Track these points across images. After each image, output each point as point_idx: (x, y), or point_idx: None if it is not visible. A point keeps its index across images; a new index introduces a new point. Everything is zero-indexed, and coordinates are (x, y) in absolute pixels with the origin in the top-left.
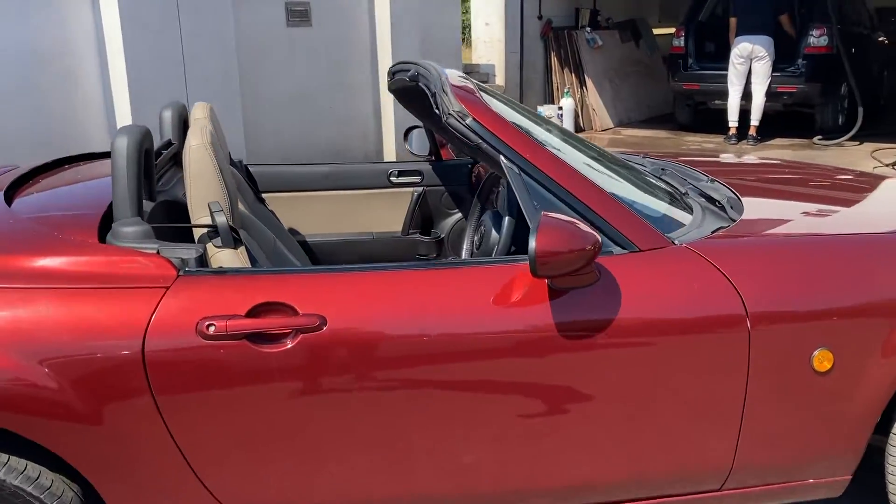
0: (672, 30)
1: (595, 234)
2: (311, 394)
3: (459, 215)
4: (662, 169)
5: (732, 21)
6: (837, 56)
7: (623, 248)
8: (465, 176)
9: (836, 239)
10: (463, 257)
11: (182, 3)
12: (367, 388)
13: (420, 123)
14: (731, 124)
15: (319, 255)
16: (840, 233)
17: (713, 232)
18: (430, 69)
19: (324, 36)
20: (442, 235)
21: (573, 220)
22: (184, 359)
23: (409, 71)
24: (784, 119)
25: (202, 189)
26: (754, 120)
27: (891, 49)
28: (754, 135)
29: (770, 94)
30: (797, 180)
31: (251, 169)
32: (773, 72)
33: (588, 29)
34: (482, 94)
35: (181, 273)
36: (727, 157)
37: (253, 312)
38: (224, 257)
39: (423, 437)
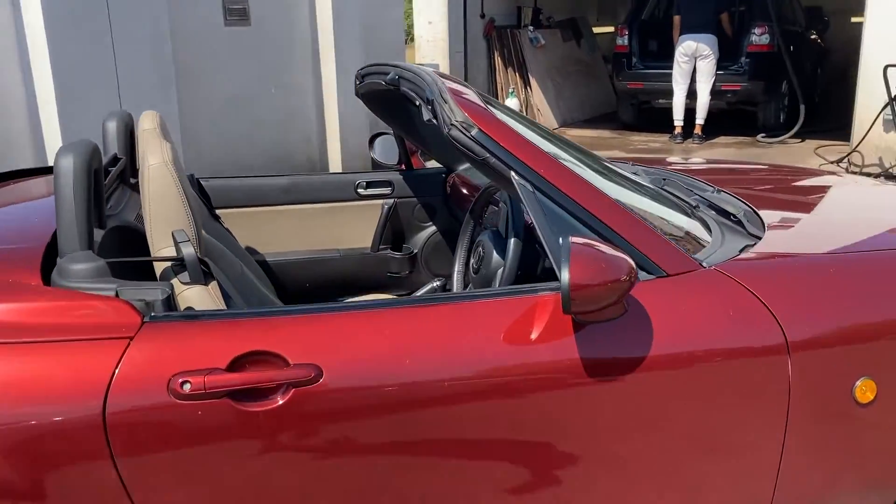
0: (610, 29)
1: (630, 260)
2: (308, 459)
3: (434, 228)
4: (663, 179)
5: (676, 19)
6: (779, 54)
7: (649, 273)
8: (439, 186)
9: (877, 256)
10: (455, 280)
11: (112, 1)
12: (374, 450)
13: (387, 130)
14: (676, 123)
15: (281, 276)
16: (882, 248)
17: (740, 251)
18: (420, 74)
19: (263, 36)
20: (415, 251)
21: (605, 245)
22: (154, 423)
23: (386, 74)
24: (727, 117)
25: (164, 215)
26: (699, 118)
27: (821, 48)
28: (700, 133)
29: (714, 93)
30: (808, 188)
31: (203, 183)
32: (717, 70)
33: (531, 28)
34: (487, 103)
35: (146, 319)
36: (722, 164)
37: (236, 365)
38: (193, 296)
39: (443, 500)
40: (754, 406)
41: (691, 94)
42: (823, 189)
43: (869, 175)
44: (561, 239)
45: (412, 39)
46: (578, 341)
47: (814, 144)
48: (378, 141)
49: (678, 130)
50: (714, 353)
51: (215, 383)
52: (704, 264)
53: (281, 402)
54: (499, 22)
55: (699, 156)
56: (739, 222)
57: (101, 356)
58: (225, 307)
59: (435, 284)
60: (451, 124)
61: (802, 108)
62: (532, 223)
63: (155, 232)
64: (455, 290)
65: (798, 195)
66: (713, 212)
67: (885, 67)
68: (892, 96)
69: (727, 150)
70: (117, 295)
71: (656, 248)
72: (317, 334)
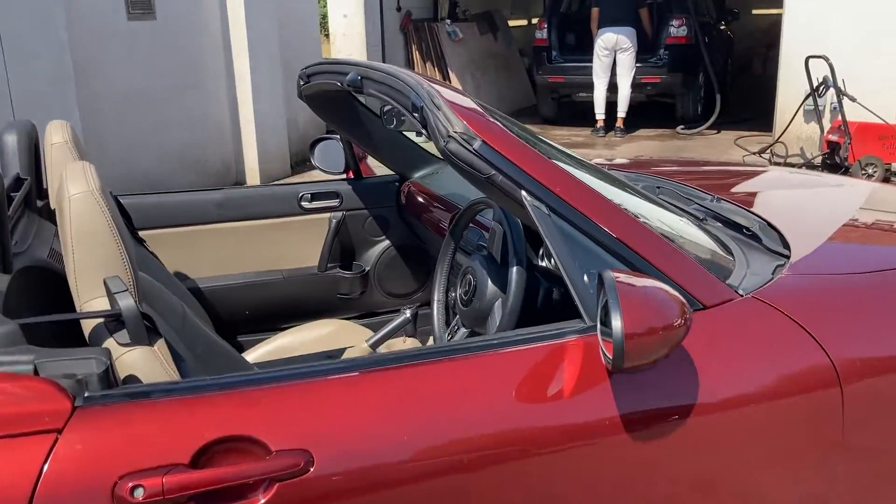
0: (523, 22)
1: (681, 299)
2: None
3: (387, 243)
4: (658, 187)
5: (594, 12)
6: (696, 46)
7: None
8: (393, 196)
9: None
10: (435, 312)
11: None
12: None
13: (330, 135)
14: (598, 117)
15: (216, 305)
16: None
17: (774, 273)
18: (400, 76)
19: (170, 30)
20: (367, 268)
21: (649, 281)
22: None
23: (343, 74)
24: (646, 110)
25: (92, 258)
26: (621, 112)
27: (730, 39)
28: (621, 126)
29: (634, 86)
30: (808, 191)
31: (122, 200)
32: (636, 62)
33: (448, 21)
34: (487, 111)
35: (79, 403)
36: (709, 167)
37: (201, 458)
38: (137, 362)
39: None
40: (810, 445)
41: (612, 88)
42: (816, 190)
43: (793, 165)
44: (600, 275)
45: (327, 34)
46: (616, 393)
47: (732, 135)
48: (320, 147)
49: (600, 124)
50: (764, 394)
51: (177, 485)
52: (740, 292)
53: (263, 502)
54: (416, 15)
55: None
56: (754, 236)
57: (19, 459)
58: (176, 371)
59: (406, 315)
60: (449, 136)
61: (718, 98)
62: (550, 252)
63: (81, 280)
64: (435, 323)
65: (794, 199)
66: (718, 223)
67: (807, 59)
68: (814, 87)
69: (649, 143)
70: (36, 371)
71: (692, 277)
72: (304, 409)
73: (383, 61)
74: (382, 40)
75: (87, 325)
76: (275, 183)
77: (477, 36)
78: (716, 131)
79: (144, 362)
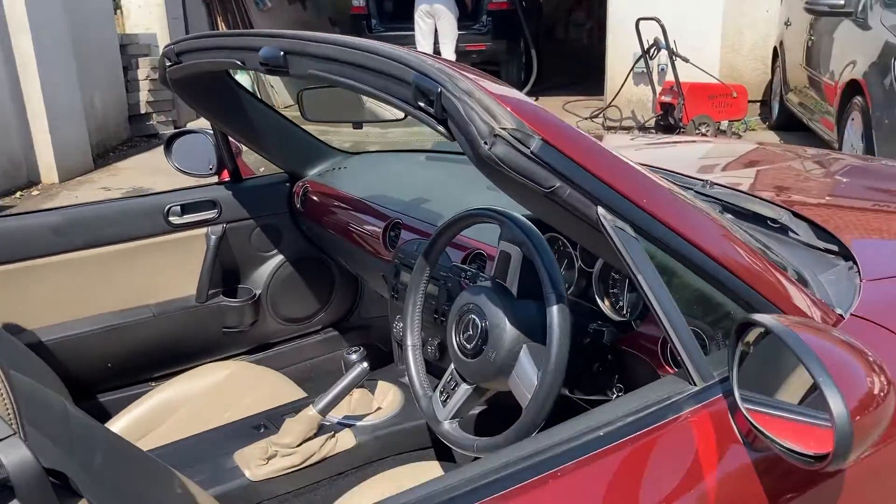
0: None
1: (864, 350)
2: None
3: (280, 258)
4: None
5: None
6: (516, 11)
7: None
8: (284, 199)
9: None
10: (412, 362)
11: None
12: None
13: (194, 128)
14: None
15: (66, 360)
16: None
17: (860, 284)
18: (379, 50)
19: None
20: (257, 292)
21: (849, 339)
22: None
23: (245, 50)
24: None
25: None
26: None
27: (539, 5)
28: None
29: (459, 53)
30: (824, 171)
31: None
32: (459, 30)
33: None
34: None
35: None
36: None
37: None
38: None
39: None
40: None
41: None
42: (806, 163)
43: (627, 129)
44: (744, 324)
45: (119, 7)
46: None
47: (557, 101)
48: (180, 143)
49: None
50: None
51: None
52: (839, 311)
53: None
54: None
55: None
56: (782, 228)
57: None
58: None
59: (363, 367)
60: (496, 135)
61: (535, 63)
62: (641, 288)
63: None
64: (415, 379)
65: (797, 178)
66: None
67: (638, 21)
68: (645, 49)
69: None
70: None
71: (804, 304)
72: None
73: (186, 32)
74: (184, 11)
75: None
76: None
77: (286, 5)
78: (534, 98)
79: None
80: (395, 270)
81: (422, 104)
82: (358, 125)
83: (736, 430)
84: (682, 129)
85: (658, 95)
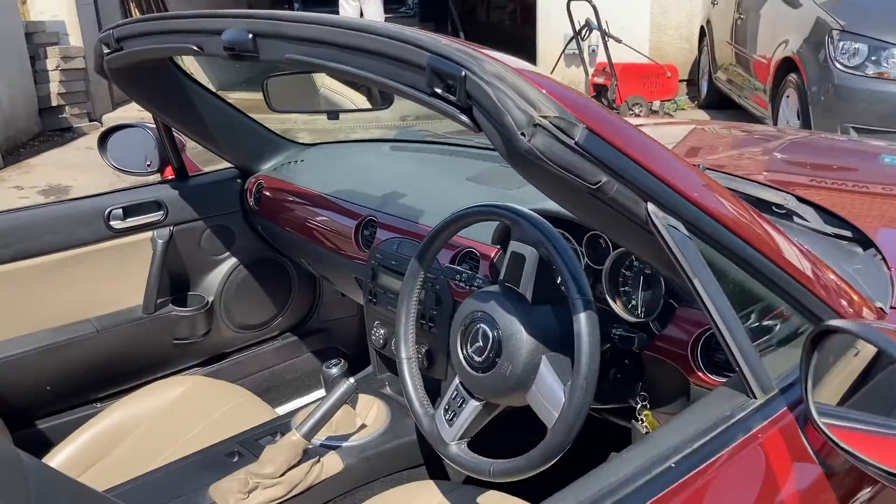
0: None
1: None
2: None
3: (233, 261)
4: None
5: None
6: None
7: None
8: (236, 196)
9: None
10: (407, 375)
11: None
12: None
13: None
14: None
15: (1, 387)
16: None
17: (890, 274)
18: (383, 30)
19: None
20: (209, 299)
21: None
22: None
23: (215, 33)
24: None
25: None
26: None
27: None
28: None
29: None
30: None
31: None
32: (386, 13)
33: None
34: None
35: None
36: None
37: None
38: None
39: None
40: None
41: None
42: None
43: None
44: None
45: None
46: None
47: None
48: (115, 138)
49: None
50: None
51: None
52: (879, 305)
53: None
54: None
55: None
56: (788, 215)
57: None
58: None
59: (349, 383)
60: (536, 125)
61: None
62: (697, 292)
63: None
64: (412, 392)
65: (787, 160)
66: None
67: (569, 2)
68: (576, 30)
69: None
70: None
71: (855, 301)
72: None
73: (98, 22)
74: None
75: None
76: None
77: None
78: None
79: None
80: (373, 272)
81: (438, 90)
82: (333, 115)
83: (808, 445)
84: (615, 111)
85: (591, 77)
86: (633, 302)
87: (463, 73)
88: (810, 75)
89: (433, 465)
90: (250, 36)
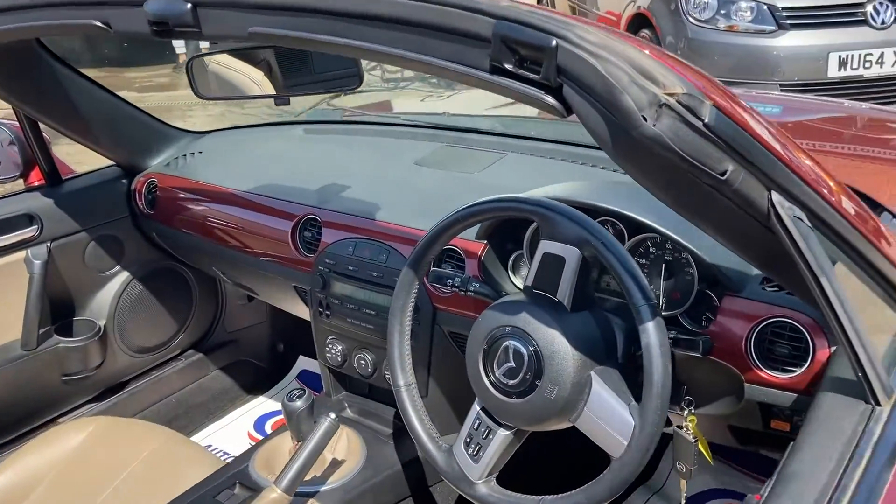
0: None
1: None
2: None
3: (125, 276)
4: None
5: None
6: None
7: None
8: (121, 200)
9: None
10: (410, 410)
11: None
12: None
13: None
14: (179, 51)
15: None
16: None
17: None
18: None
19: None
20: (101, 323)
21: None
22: None
23: (175, 13)
24: None
25: None
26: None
27: None
28: None
29: None
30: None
31: None
32: None
33: None
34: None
35: None
36: None
37: None
38: None
39: None
40: None
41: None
42: None
43: None
44: None
45: None
46: None
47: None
48: None
49: (184, 58)
50: None
51: None
52: None
53: None
54: None
55: None
56: None
57: None
58: None
59: (329, 419)
60: (662, 104)
61: None
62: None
63: None
64: (417, 425)
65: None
66: None
67: None
68: None
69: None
70: None
71: None
72: None
73: None
74: None
75: None
76: None
77: None
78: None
79: None
80: (323, 281)
81: (509, 67)
82: (283, 100)
83: None
84: None
85: None
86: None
87: (553, 42)
88: (664, 29)
89: (420, 496)
90: (189, 6)
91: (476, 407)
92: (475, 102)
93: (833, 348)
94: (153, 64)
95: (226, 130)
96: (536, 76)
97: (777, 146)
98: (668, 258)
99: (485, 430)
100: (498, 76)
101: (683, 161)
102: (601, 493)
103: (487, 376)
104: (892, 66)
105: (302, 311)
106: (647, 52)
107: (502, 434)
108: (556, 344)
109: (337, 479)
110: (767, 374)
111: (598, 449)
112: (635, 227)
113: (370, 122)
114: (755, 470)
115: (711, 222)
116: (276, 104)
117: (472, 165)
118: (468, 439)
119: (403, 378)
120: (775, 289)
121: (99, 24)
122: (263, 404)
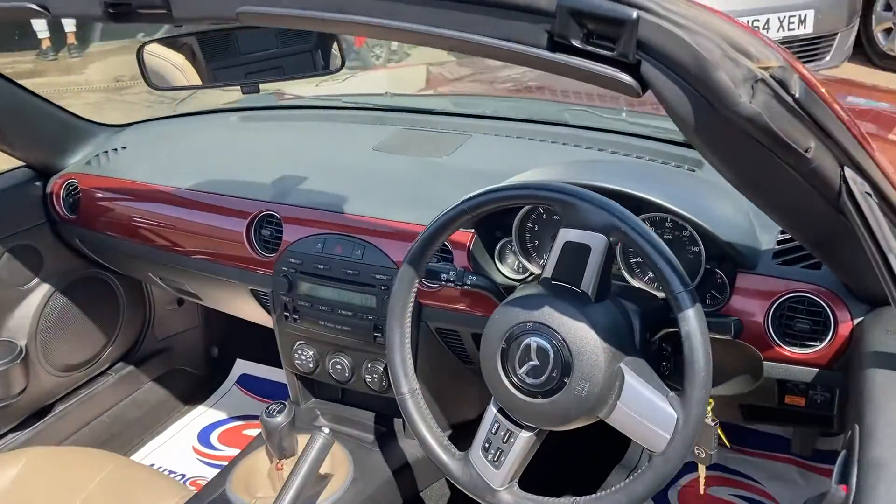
0: None
1: None
2: None
3: (47, 288)
4: None
5: None
6: None
7: None
8: (36, 204)
9: None
10: (416, 418)
11: None
12: None
13: None
14: (41, 35)
15: None
16: None
17: None
18: None
19: None
20: (22, 344)
21: None
22: None
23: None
24: None
25: None
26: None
27: None
28: (74, 42)
29: None
30: None
31: None
32: None
33: None
34: None
35: None
36: None
37: None
38: None
39: None
40: None
41: None
42: None
43: None
44: None
45: None
46: None
47: None
48: None
49: (47, 44)
50: None
51: None
52: None
53: None
54: None
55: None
56: None
57: None
58: None
59: (324, 434)
60: (759, 80)
61: None
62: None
63: None
64: (426, 433)
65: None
66: None
67: None
68: None
69: (116, 59)
70: None
71: None
72: None
73: None
74: None
75: None
76: None
77: None
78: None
79: None
80: (289, 282)
81: (576, 43)
82: (251, 88)
83: None
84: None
85: None
86: (649, 274)
87: (634, 14)
88: None
89: (413, 502)
90: None
91: (492, 409)
92: (374, 84)
93: (857, 320)
94: (12, 50)
95: (148, 122)
96: (609, 52)
97: (848, 121)
98: (669, 237)
99: (505, 434)
100: (560, 53)
101: (775, 140)
102: (641, 492)
103: (508, 377)
104: (777, 31)
105: (258, 316)
106: (737, 23)
107: (524, 436)
108: (585, 338)
109: (329, 495)
110: (788, 350)
111: (605, 442)
112: (635, 206)
113: (310, 107)
114: (743, 444)
115: (775, 199)
116: (243, 92)
117: (437, 149)
118: (486, 444)
119: (407, 384)
120: (787, 264)
121: (34, 6)
122: (204, 415)
